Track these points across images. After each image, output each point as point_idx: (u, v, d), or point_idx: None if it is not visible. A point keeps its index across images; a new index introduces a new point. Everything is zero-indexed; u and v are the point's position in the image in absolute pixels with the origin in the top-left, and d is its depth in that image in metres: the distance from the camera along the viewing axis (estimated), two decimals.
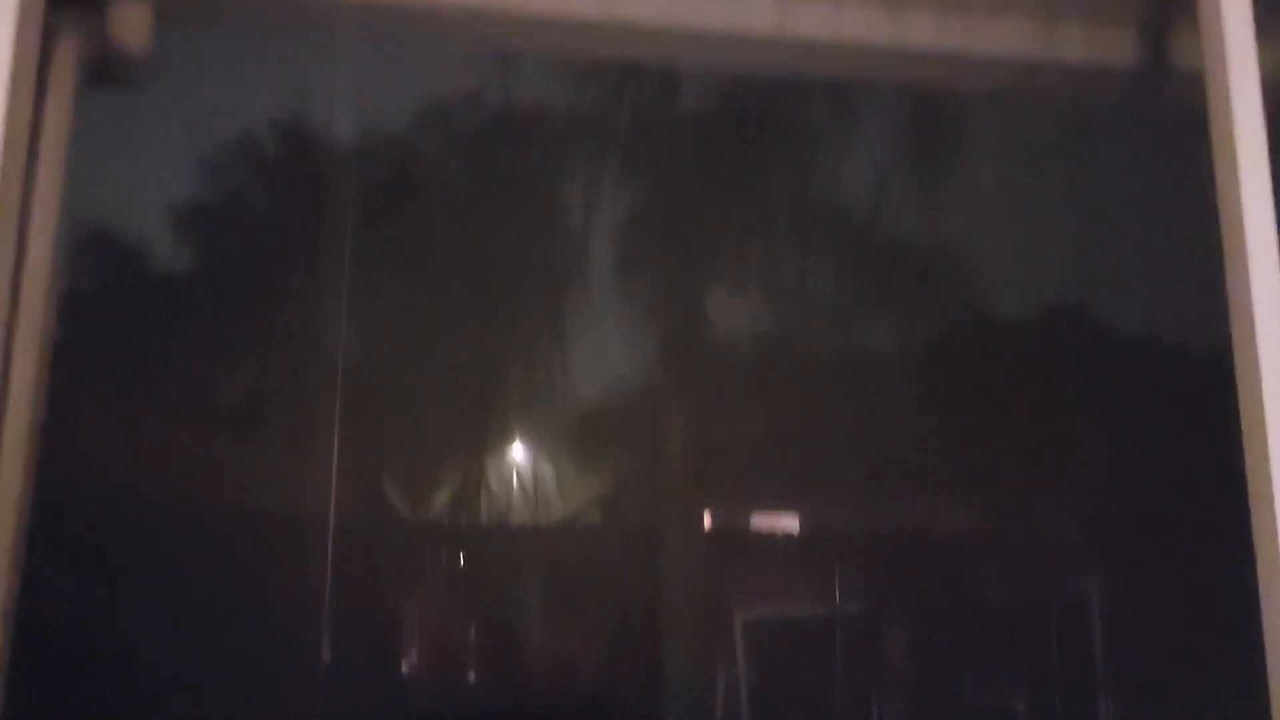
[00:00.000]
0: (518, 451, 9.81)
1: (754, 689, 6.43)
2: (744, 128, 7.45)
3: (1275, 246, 1.53)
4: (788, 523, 9.51)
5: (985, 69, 1.90)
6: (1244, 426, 1.50)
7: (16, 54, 1.31)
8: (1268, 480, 1.46)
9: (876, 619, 6.89)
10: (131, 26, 1.69)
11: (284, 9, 1.81)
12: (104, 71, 1.60)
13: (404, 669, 6.99)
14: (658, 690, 7.06)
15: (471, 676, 7.04)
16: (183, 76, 1.79)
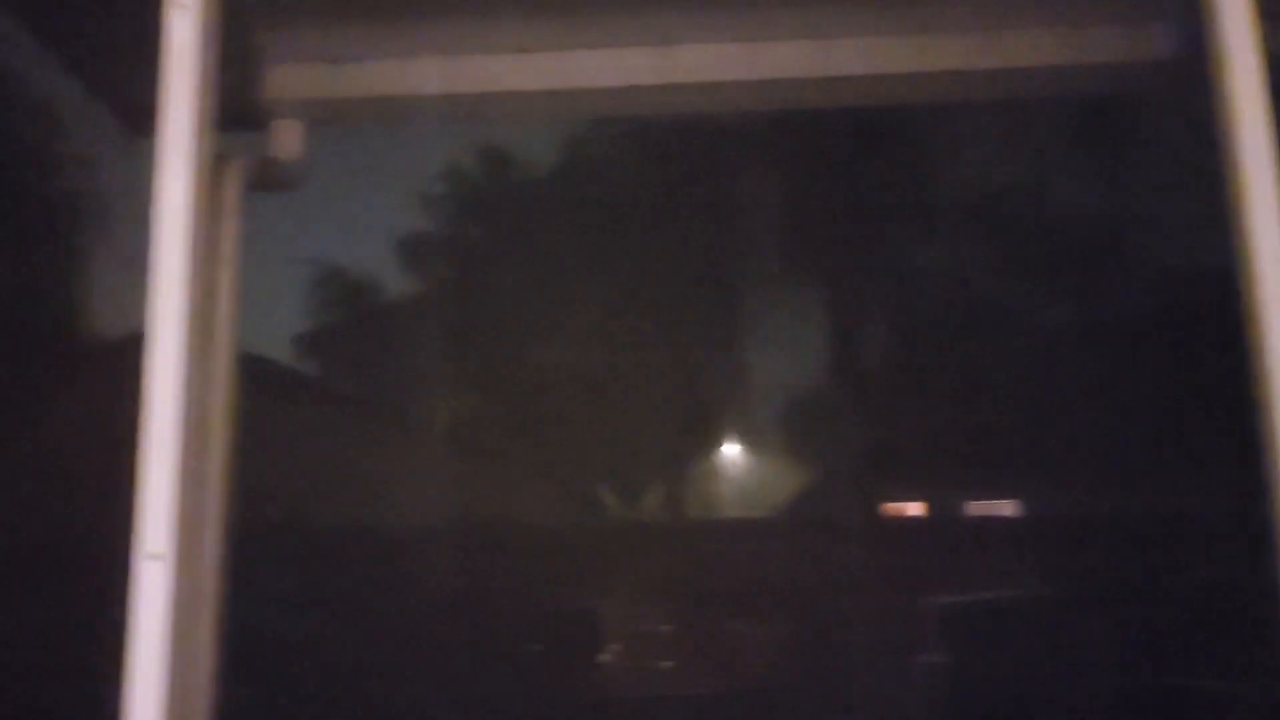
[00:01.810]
0: (715, 451, 10.12)
1: (950, 673, 6.45)
2: (902, 123, 7.47)
3: (1278, 230, 1.62)
4: (986, 509, 9.36)
5: (1016, 80, 2.04)
6: (1262, 428, 1.59)
7: (196, 181, 1.74)
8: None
9: (1079, 602, 6.74)
10: (287, 139, 2.13)
11: (405, 108, 2.20)
12: (265, 179, 2.04)
13: (609, 658, 7.47)
14: (855, 675, 7.19)
15: (672, 664, 7.42)
16: (329, 168, 2.21)
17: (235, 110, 2.05)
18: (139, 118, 1.80)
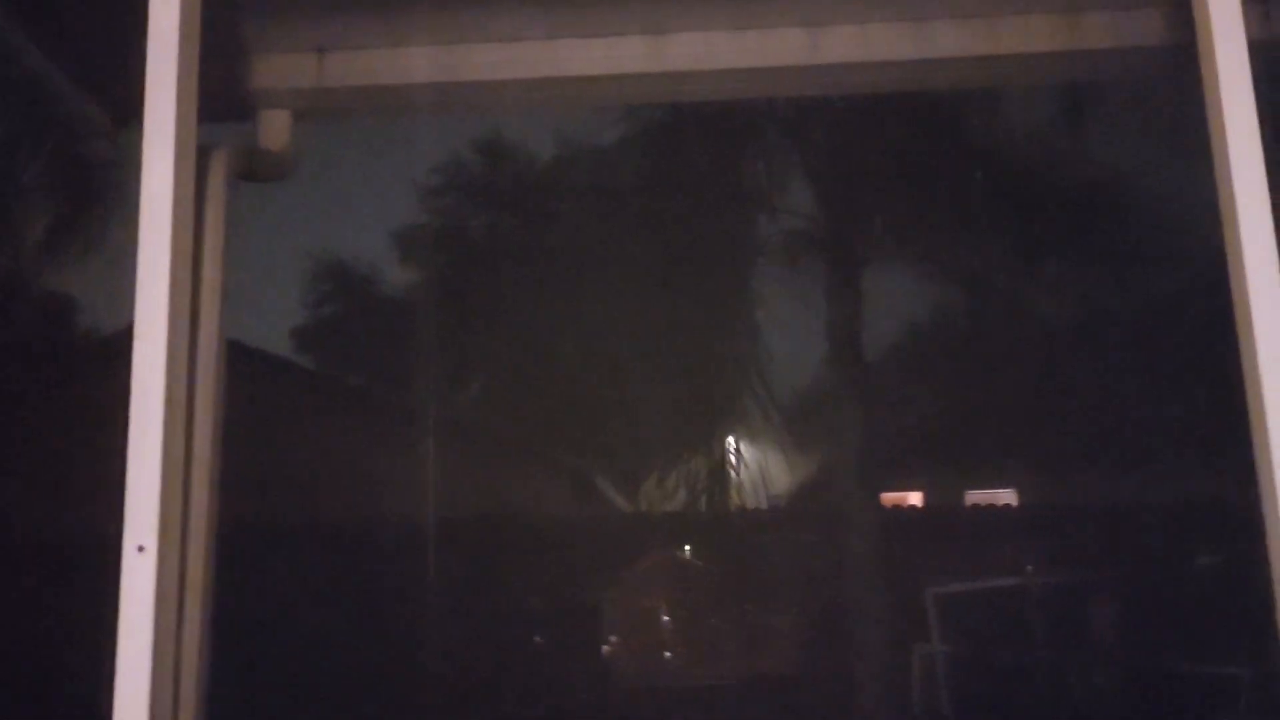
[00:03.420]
0: (715, 444, 10.08)
1: (949, 661, 6.44)
2: (903, 112, 7.43)
3: (1270, 217, 1.61)
4: (986, 498, 9.33)
5: (1010, 66, 2.02)
6: (1251, 423, 1.57)
7: (178, 174, 1.73)
8: (1270, 465, 1.54)
9: (1073, 590, 6.72)
10: (273, 130, 2.12)
11: (394, 98, 2.19)
12: (253, 170, 2.02)
13: (607, 649, 7.48)
14: (856, 663, 7.18)
15: (669, 655, 7.42)
16: (316, 160, 2.20)
17: (222, 100, 2.04)
18: (126, 108, 1.79)
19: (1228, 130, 1.61)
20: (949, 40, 2.02)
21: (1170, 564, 6.63)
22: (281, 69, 2.10)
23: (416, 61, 2.14)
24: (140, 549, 1.63)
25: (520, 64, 2.12)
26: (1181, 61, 1.89)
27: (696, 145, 8.75)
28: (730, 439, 10.15)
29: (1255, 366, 1.55)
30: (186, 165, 1.74)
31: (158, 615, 1.62)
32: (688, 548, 8.59)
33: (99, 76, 2.10)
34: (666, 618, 7.44)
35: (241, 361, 2.00)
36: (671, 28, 2.07)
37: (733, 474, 10.04)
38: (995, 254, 8.53)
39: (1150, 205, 7.95)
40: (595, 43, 2.10)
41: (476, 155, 10.45)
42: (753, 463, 9.95)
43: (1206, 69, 1.65)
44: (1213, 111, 1.65)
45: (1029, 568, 6.96)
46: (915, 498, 10.73)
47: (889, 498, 9.64)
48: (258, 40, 2.08)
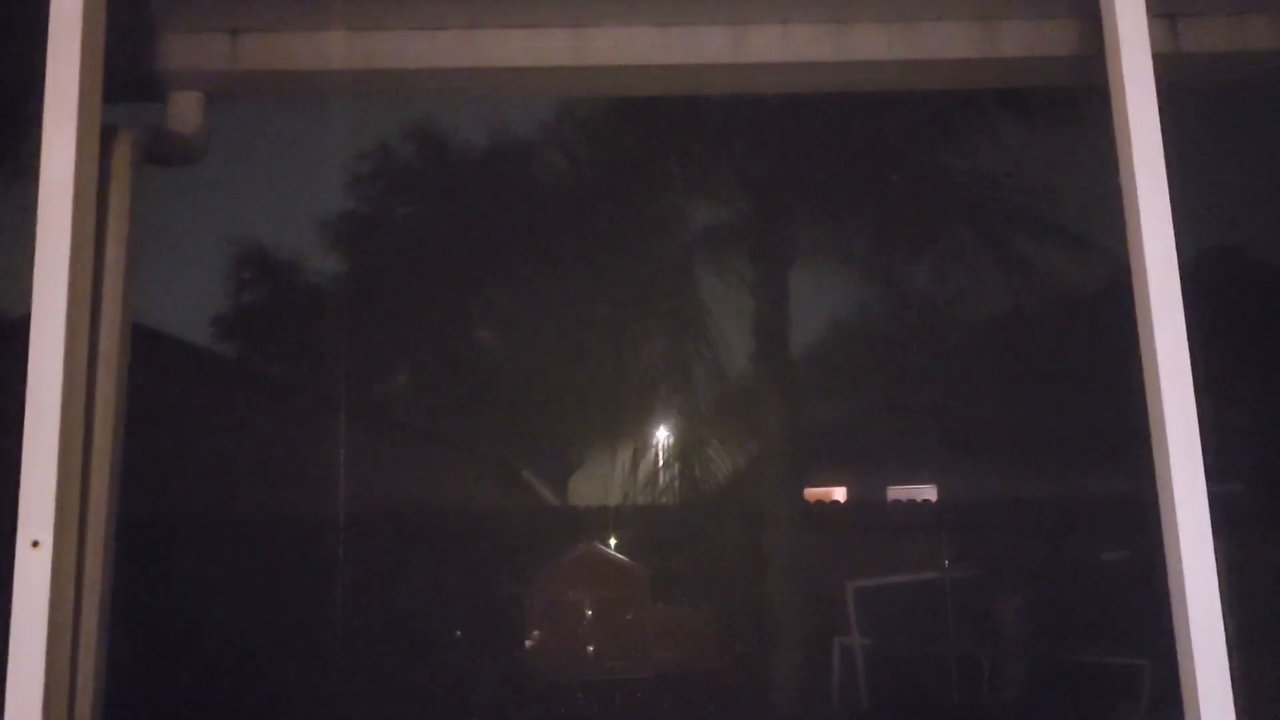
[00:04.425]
0: (640, 439, 10.09)
1: (869, 653, 6.56)
2: (829, 112, 7.51)
3: (1170, 220, 1.66)
4: (906, 494, 9.49)
5: (928, 71, 2.05)
6: (1150, 424, 1.63)
7: (80, 155, 1.67)
8: (1167, 465, 1.59)
9: (988, 584, 6.89)
10: (184, 112, 2.05)
11: (311, 82, 2.14)
12: (162, 153, 1.96)
13: (529, 642, 7.43)
14: (777, 656, 7.25)
15: (592, 648, 7.41)
16: (230, 144, 2.14)
17: (130, 79, 1.98)
18: (26, 82, 1.72)
19: (1132, 135, 1.66)
20: (871, 44, 2.05)
21: (1082, 559, 6.84)
22: (193, 49, 2.04)
23: (334, 47, 2.09)
24: (35, 544, 1.57)
25: (441, 53, 2.09)
26: (1092, 70, 1.94)
27: (621, 138, 8.74)
28: (655, 433, 10.18)
29: (1154, 366, 1.60)
30: (90, 146, 1.68)
31: (53, 614, 1.57)
32: (612, 541, 8.60)
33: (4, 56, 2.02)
34: (590, 611, 7.44)
35: (147, 348, 1.94)
36: (594, 21, 2.06)
37: (657, 468, 10.06)
38: (918, 254, 8.68)
39: (1072, 208, 8.16)
40: (517, 34, 2.08)
41: (396, 142, 10.28)
42: (677, 458, 9.99)
43: (1113, 77, 1.70)
44: (1118, 117, 1.69)
45: (946, 562, 7.12)
46: (839, 493, 10.88)
47: (812, 493, 9.78)
48: (168, 18, 2.02)
